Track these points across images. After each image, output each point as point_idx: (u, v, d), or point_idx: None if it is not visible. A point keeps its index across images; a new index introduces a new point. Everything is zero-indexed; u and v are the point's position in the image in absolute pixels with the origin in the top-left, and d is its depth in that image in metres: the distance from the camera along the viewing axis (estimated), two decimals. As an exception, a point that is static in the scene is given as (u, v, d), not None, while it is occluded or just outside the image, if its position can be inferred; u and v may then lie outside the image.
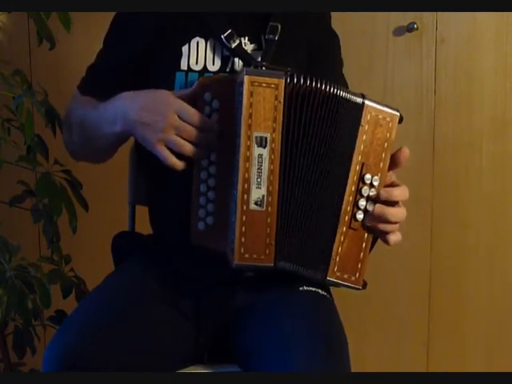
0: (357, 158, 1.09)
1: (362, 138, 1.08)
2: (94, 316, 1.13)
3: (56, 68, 1.94)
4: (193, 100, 1.12)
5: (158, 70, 1.25)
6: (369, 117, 1.08)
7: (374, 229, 1.10)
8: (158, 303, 1.19)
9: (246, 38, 1.26)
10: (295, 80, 1.06)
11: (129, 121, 1.13)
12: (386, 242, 1.12)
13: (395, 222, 1.10)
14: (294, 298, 1.19)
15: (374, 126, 1.09)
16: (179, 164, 1.12)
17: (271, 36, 1.25)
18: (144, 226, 1.40)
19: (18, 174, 1.52)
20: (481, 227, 2.10)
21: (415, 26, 2.01)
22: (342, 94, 1.08)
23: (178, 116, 1.10)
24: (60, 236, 1.54)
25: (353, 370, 1.11)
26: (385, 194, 1.10)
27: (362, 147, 1.08)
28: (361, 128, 1.08)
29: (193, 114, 1.10)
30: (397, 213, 1.10)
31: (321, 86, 1.07)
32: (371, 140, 1.09)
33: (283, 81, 1.05)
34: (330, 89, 1.08)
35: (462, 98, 2.06)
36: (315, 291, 1.22)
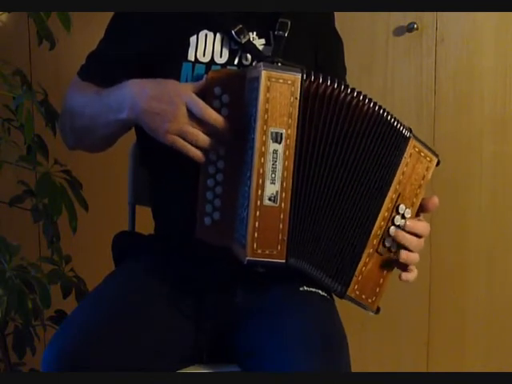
0: (395, 186, 1.10)
1: (403, 169, 1.10)
2: (94, 316, 1.12)
3: (56, 68, 1.95)
4: (202, 93, 1.10)
5: (165, 59, 1.22)
6: (412, 151, 1.11)
7: (398, 258, 1.11)
8: (158, 303, 1.19)
9: (255, 33, 1.25)
10: (312, 78, 1.06)
11: (137, 109, 1.10)
12: (406, 279, 1.13)
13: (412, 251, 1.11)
14: (295, 298, 1.19)
15: (415, 161, 1.11)
16: (199, 154, 1.09)
17: (281, 32, 1.24)
18: (144, 226, 1.39)
19: (18, 173, 1.53)
20: (481, 227, 2.10)
21: (415, 25, 2.01)
22: (389, 117, 1.09)
23: (189, 107, 1.08)
24: (60, 236, 1.55)
25: (353, 370, 1.11)
26: (410, 223, 1.11)
27: (401, 177, 1.11)
28: (403, 159, 1.10)
29: (204, 106, 1.08)
30: (417, 243, 1.12)
31: (345, 88, 1.07)
32: (410, 173, 1.11)
33: (299, 78, 1.04)
34: (362, 99, 1.08)
35: (462, 98, 2.06)
36: (315, 292, 1.21)
